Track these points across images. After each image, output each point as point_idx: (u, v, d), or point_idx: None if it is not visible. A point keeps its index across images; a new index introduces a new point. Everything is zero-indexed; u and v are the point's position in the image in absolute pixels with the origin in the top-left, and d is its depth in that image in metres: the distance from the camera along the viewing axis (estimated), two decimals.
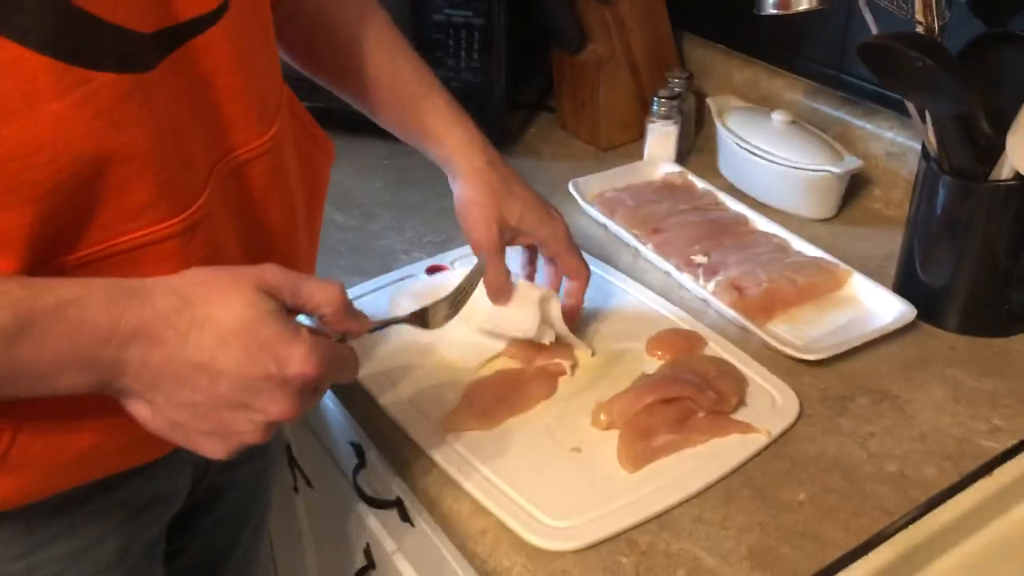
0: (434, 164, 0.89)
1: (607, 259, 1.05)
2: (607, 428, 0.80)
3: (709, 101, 1.24)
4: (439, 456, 0.79)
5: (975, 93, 0.88)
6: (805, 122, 1.19)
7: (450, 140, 0.85)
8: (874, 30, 0.89)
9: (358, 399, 0.87)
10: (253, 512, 0.92)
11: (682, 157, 1.24)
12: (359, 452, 0.94)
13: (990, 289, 0.92)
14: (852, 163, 1.10)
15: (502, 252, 0.84)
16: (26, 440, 0.57)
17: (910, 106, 0.91)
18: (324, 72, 0.85)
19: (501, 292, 0.85)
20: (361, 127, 0.97)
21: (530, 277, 0.92)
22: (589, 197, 1.16)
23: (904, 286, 0.97)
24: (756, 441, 0.80)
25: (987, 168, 0.89)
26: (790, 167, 1.11)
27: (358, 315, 0.61)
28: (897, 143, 1.13)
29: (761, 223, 1.09)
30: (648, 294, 0.98)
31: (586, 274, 0.89)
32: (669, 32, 1.33)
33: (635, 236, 1.07)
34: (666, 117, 1.21)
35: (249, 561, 0.95)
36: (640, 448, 0.77)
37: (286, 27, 0.78)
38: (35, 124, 0.50)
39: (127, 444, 0.62)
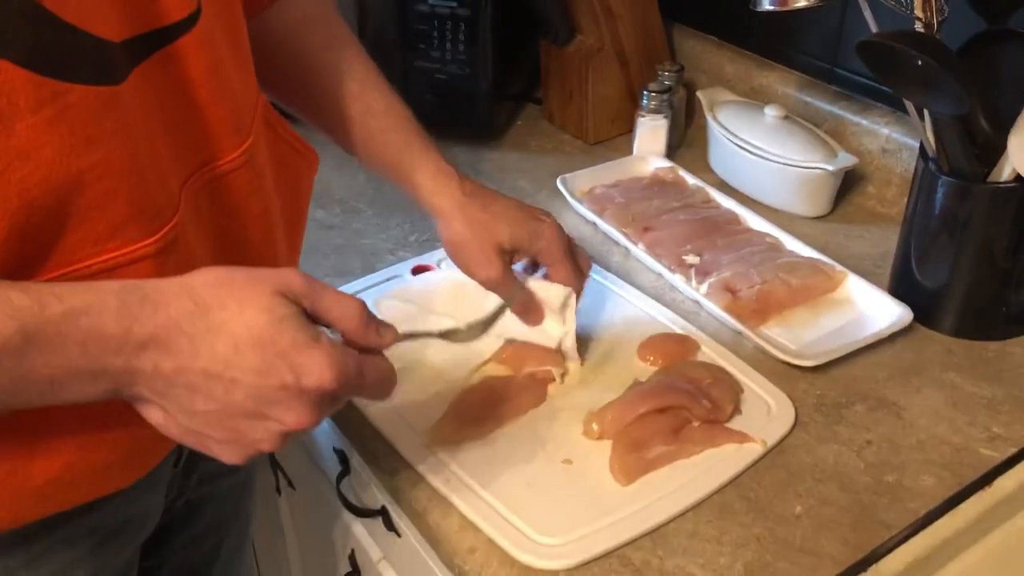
0: None
1: (597, 259, 1.02)
2: (599, 438, 0.78)
3: (700, 94, 1.22)
4: (426, 469, 0.76)
5: (974, 92, 0.85)
6: (798, 117, 1.16)
7: (422, 174, 0.82)
8: (873, 27, 0.87)
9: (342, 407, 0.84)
10: (232, 526, 0.89)
11: (672, 151, 1.22)
12: (343, 459, 0.91)
13: (988, 291, 0.91)
14: (846, 160, 1.08)
15: (512, 278, 0.82)
16: None
17: (909, 105, 0.89)
18: (291, 100, 0.82)
19: (531, 315, 0.84)
20: None
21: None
22: (578, 193, 1.13)
23: (900, 287, 0.96)
24: (752, 451, 0.78)
25: (986, 168, 0.87)
26: (783, 164, 1.09)
27: (381, 328, 0.58)
28: (892, 139, 1.11)
29: (753, 221, 1.07)
30: (639, 296, 0.96)
31: (583, 280, 0.86)
32: (659, 23, 1.30)
33: (625, 235, 1.05)
34: (656, 111, 1.18)
35: None
36: (633, 461, 0.75)
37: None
38: (7, 140, 0.48)
39: (99, 471, 0.60)
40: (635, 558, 0.70)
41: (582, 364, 0.87)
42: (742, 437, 0.78)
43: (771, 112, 1.13)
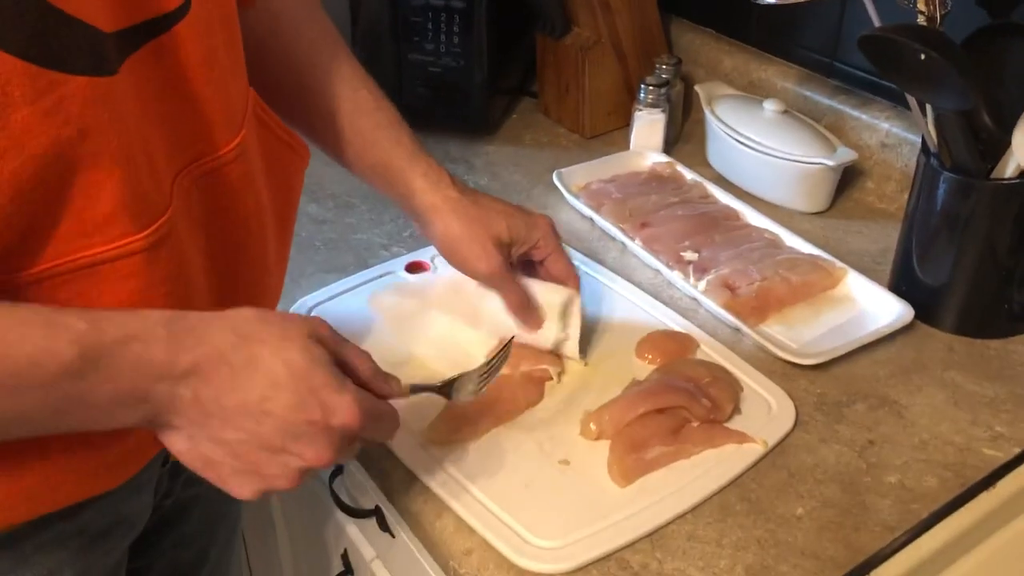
0: None
1: (593, 255, 1.01)
2: (597, 438, 0.77)
3: (698, 88, 1.20)
4: (420, 469, 0.75)
5: (978, 87, 0.84)
6: (796, 111, 1.15)
7: (413, 172, 0.80)
8: (875, 20, 0.86)
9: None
10: (221, 527, 0.88)
11: (669, 146, 1.21)
12: None
13: (990, 289, 0.90)
14: (846, 155, 1.07)
15: (511, 273, 0.81)
16: None
17: (911, 100, 0.88)
18: (277, 101, 0.79)
19: (530, 316, 0.82)
20: None
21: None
22: (574, 188, 1.12)
23: (901, 284, 0.94)
24: (752, 451, 0.76)
25: (989, 164, 0.85)
26: (782, 159, 1.07)
27: (389, 379, 0.63)
28: (892, 134, 1.10)
29: (752, 216, 1.05)
30: (637, 293, 0.95)
31: (577, 275, 0.85)
32: (657, 15, 1.29)
33: (622, 230, 1.04)
34: (653, 105, 1.17)
35: None
36: (632, 462, 0.74)
37: None
38: (2, 131, 0.47)
39: (87, 472, 0.58)
40: (633, 561, 0.68)
41: (585, 365, 0.85)
42: (742, 437, 0.77)
43: (770, 106, 1.12)
